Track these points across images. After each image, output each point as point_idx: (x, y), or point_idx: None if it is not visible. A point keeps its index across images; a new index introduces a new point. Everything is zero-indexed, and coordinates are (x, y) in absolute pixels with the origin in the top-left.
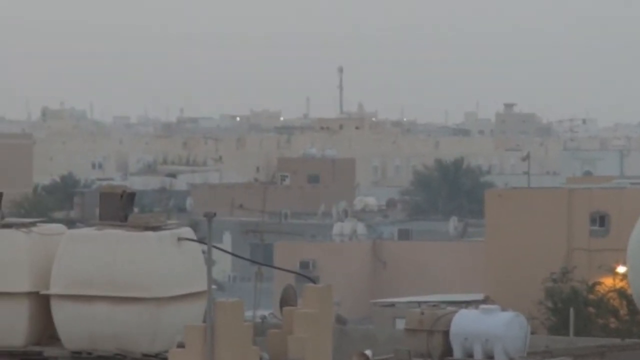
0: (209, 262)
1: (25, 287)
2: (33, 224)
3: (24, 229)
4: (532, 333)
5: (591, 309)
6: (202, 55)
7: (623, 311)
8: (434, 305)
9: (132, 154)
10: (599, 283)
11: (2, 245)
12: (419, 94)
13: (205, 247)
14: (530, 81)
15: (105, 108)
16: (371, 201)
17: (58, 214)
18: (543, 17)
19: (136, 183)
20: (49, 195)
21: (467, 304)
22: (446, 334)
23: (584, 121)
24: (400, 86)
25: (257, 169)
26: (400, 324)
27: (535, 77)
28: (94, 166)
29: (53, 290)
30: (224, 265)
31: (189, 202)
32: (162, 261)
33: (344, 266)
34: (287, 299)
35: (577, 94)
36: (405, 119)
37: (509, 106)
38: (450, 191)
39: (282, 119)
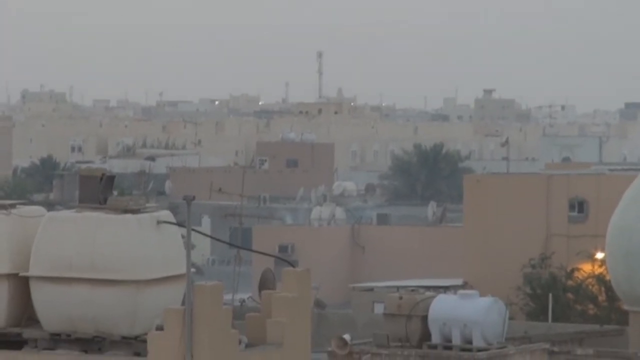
0: (188, 245)
1: (5, 269)
2: (12, 205)
3: (4, 211)
4: (510, 319)
5: (570, 295)
6: (182, 40)
7: (601, 297)
8: (413, 290)
9: (111, 137)
10: (578, 269)
11: None
12: (398, 79)
13: (184, 231)
14: (510, 67)
15: (85, 91)
16: (350, 186)
17: (37, 197)
18: (523, 2)
19: (115, 166)
20: (29, 177)
21: (445, 289)
22: (424, 318)
23: (562, 107)
24: (379, 71)
25: (236, 152)
26: (379, 309)
27: (514, 63)
28: (73, 149)
29: (32, 272)
30: (203, 248)
31: (168, 185)
32: (141, 244)
33: (322, 250)
34: (266, 283)
35: (556, 80)
36: (384, 104)
37: (488, 92)
38: (429, 176)
39: (261, 103)
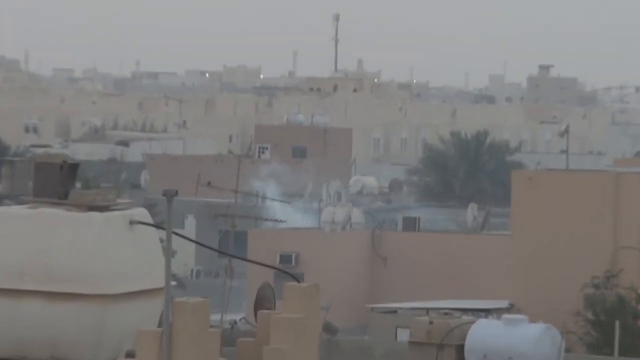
0: (168, 252)
1: None
2: None
3: None
4: (567, 351)
5: None
6: None
7: None
8: (446, 313)
9: (75, 116)
10: None
11: None
12: (433, 50)
13: (163, 234)
14: (572, 39)
15: (44, 58)
16: (371, 182)
17: None
18: None
19: (80, 151)
20: None
21: (487, 312)
22: (460, 349)
23: (637, 89)
24: (409, 41)
25: (230, 138)
26: (404, 335)
27: (577, 34)
28: (27, 129)
29: None
30: (186, 256)
31: (144, 176)
32: (109, 249)
33: (335, 262)
34: (263, 301)
35: (629, 57)
36: (415, 81)
37: (544, 68)
38: (470, 171)
39: (262, 77)
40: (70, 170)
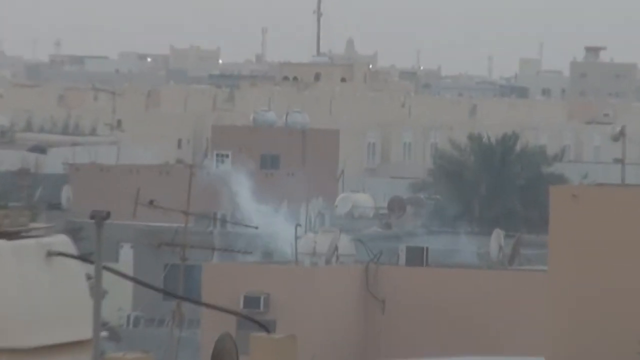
0: (98, 293)
1: None
2: None
3: None
4: None
5: None
6: None
7: None
8: None
9: None
10: None
11: None
12: (445, 29)
13: (91, 268)
14: (628, 14)
15: None
16: (364, 200)
17: None
18: None
19: None
20: None
21: None
22: None
23: None
24: (413, 15)
25: (179, 142)
26: None
27: (634, 10)
28: None
29: None
30: (121, 298)
31: (66, 193)
32: (20, 288)
33: (316, 306)
34: (222, 357)
35: None
36: (422, 68)
37: (592, 52)
38: (494, 187)
39: (220, 62)
40: None
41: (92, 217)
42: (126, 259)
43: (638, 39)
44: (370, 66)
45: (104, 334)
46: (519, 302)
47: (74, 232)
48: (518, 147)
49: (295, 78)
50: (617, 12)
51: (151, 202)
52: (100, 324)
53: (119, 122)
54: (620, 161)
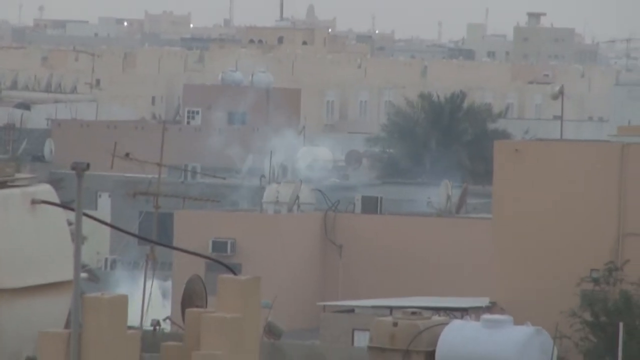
0: (78, 238)
1: None
2: None
3: None
4: (560, 359)
5: None
6: None
7: None
8: (414, 313)
9: None
10: None
11: None
12: None
13: (72, 215)
14: None
15: None
16: (323, 153)
17: None
18: None
19: None
20: None
21: (463, 312)
22: (430, 355)
23: None
24: None
25: (153, 100)
26: (362, 339)
27: None
28: None
29: None
30: (99, 243)
31: (49, 146)
32: (6, 234)
33: (279, 250)
34: (192, 297)
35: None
36: (377, 32)
37: (534, 17)
38: (443, 142)
39: (191, 26)
40: None
41: (72, 168)
42: (104, 206)
43: (576, 6)
44: (330, 30)
45: (83, 275)
46: (466, 247)
47: (56, 182)
48: (465, 105)
49: (260, 41)
50: None
51: (127, 155)
52: (80, 266)
53: (98, 82)
54: (559, 118)
